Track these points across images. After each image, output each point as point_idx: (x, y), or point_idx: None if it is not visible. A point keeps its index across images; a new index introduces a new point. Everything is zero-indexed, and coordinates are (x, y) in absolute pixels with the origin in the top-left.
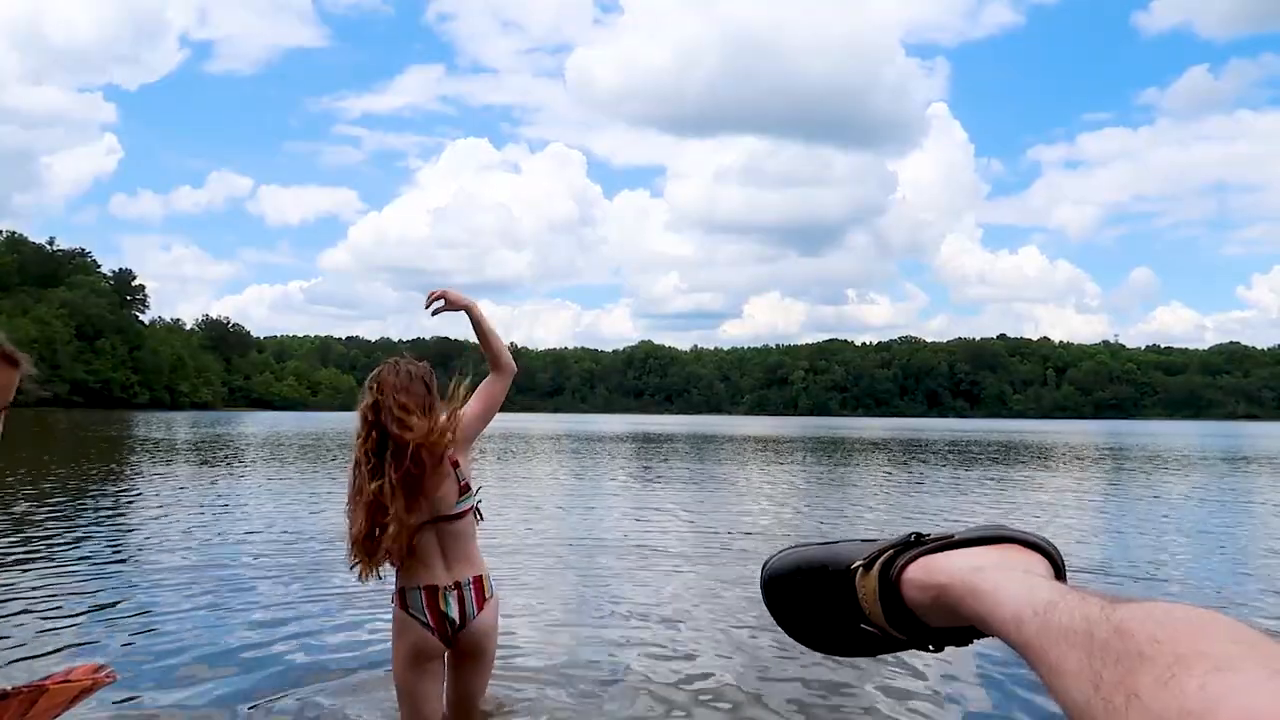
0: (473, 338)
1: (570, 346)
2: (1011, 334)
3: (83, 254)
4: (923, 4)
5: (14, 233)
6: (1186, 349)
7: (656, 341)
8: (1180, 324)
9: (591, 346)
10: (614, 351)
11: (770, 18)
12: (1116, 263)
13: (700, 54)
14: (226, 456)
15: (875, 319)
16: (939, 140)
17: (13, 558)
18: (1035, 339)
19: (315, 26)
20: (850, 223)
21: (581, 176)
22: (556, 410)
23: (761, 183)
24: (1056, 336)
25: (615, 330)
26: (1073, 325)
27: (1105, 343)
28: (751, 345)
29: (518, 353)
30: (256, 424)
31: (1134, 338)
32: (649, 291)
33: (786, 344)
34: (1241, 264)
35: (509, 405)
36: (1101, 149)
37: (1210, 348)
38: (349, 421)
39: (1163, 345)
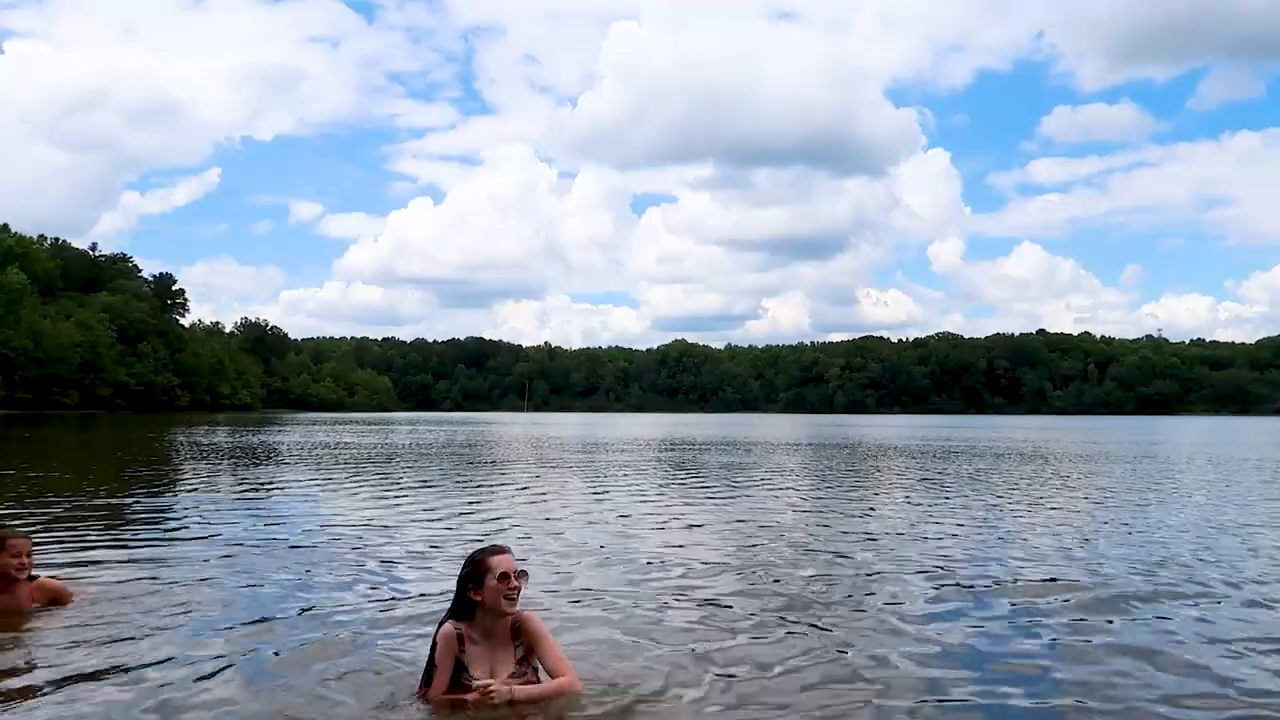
0: (505, 337)
1: (604, 346)
2: (1049, 331)
3: (124, 259)
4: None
5: (58, 239)
6: (1234, 343)
7: (690, 340)
8: (1222, 314)
9: (625, 346)
10: (647, 350)
11: (761, 75)
12: (1118, 257)
13: (712, 96)
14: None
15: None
16: (930, 154)
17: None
18: (1076, 334)
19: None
20: (851, 233)
21: (605, 196)
22: (590, 410)
23: (764, 201)
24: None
25: (643, 332)
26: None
27: (1148, 337)
28: (785, 343)
29: (552, 352)
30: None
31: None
32: (669, 296)
33: (821, 341)
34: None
35: (543, 405)
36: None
37: (1258, 341)
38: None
39: (1208, 339)
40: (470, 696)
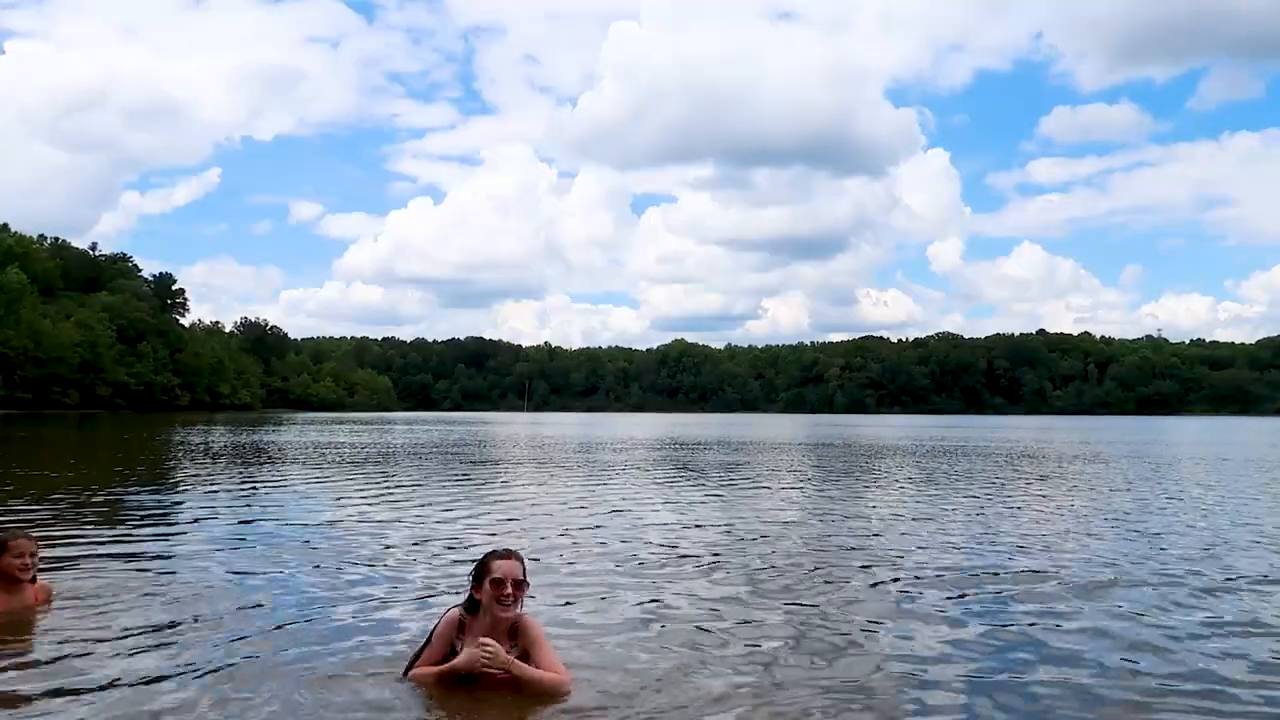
0: (505, 337)
1: (604, 346)
2: (1049, 331)
3: (124, 259)
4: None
5: (58, 238)
6: (1233, 343)
7: (690, 340)
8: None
9: (625, 346)
10: (647, 350)
11: (761, 75)
12: (1118, 257)
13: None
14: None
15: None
16: (930, 154)
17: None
18: (1076, 334)
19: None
20: (851, 233)
21: (605, 196)
22: (590, 410)
23: (764, 201)
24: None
25: (643, 332)
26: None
27: (1148, 337)
28: (785, 343)
29: (552, 352)
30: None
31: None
32: (669, 296)
33: (821, 341)
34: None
35: (543, 405)
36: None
37: (1257, 341)
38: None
39: (1208, 339)
40: (462, 658)
